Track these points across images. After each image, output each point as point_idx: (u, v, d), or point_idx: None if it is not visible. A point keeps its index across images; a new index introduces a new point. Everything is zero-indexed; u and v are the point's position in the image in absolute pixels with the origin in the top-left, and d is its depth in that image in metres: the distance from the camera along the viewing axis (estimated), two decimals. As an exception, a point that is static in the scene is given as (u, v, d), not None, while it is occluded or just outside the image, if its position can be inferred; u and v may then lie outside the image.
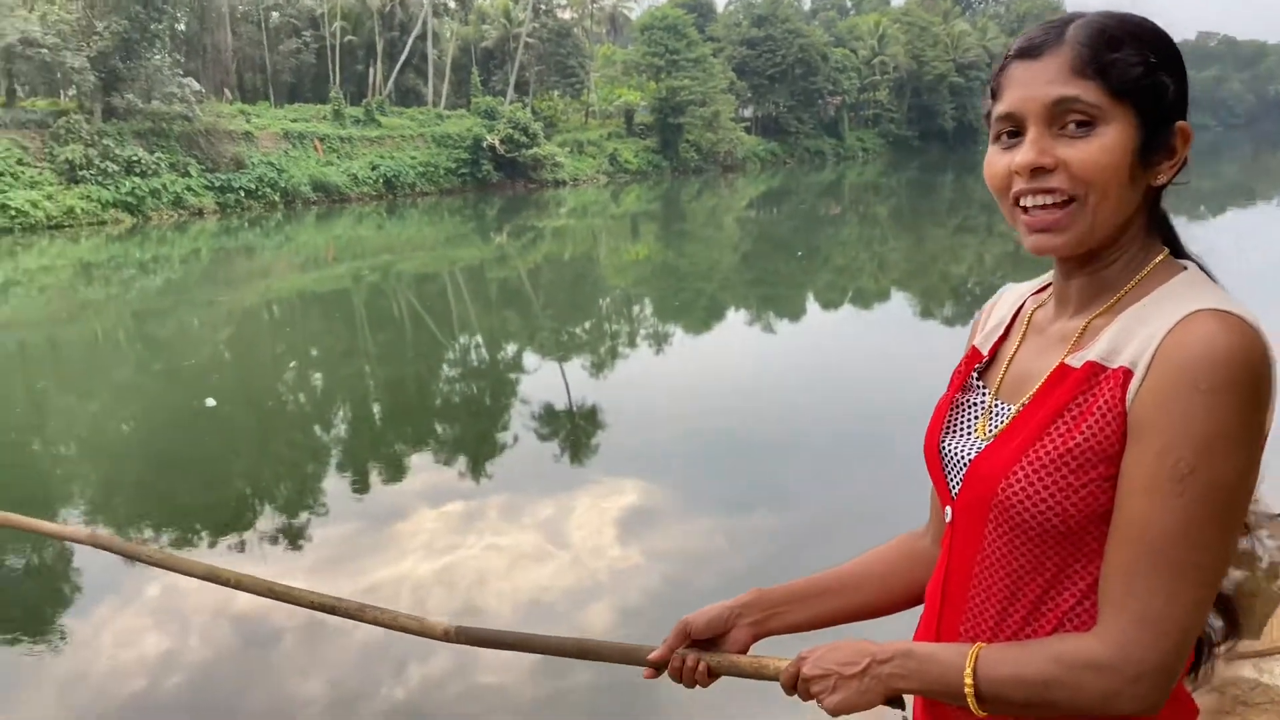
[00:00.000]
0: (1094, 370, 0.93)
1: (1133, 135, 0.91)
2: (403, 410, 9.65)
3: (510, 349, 12.79)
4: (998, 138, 0.98)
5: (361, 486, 7.25)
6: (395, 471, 7.57)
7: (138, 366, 12.05)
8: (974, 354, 1.14)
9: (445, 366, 11.83)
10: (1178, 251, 0.99)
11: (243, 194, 29.41)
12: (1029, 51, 0.94)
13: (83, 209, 25.30)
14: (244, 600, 5.07)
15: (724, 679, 1.16)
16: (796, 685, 1.05)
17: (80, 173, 25.63)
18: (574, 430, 8.55)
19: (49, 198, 24.89)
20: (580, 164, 41.01)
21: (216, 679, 4.38)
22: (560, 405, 9.20)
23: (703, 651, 1.16)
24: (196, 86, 30.24)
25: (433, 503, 6.54)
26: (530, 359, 11.93)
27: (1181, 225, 1.01)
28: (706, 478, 6.44)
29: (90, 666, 4.53)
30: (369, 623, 1.29)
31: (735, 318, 14.10)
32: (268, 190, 30.17)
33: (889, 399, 7.93)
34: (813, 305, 14.41)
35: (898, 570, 1.22)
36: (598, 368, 11.28)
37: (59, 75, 28.96)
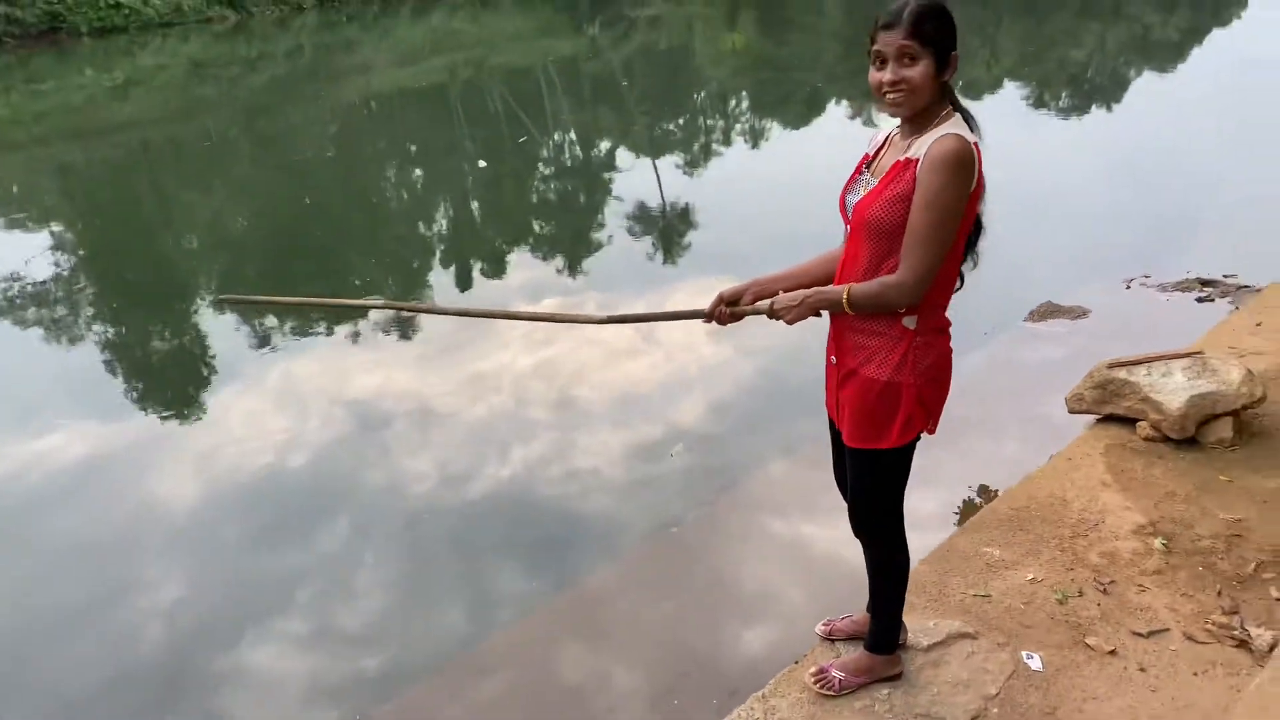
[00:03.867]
0: (909, 161, 2.01)
1: (932, 64, 1.97)
2: (500, 207, 9.87)
3: (604, 145, 12.73)
4: (874, 64, 2.01)
5: (464, 281, 7.60)
6: (495, 267, 7.87)
7: (251, 162, 12.50)
8: (866, 156, 2.23)
9: (540, 164, 11.91)
10: (957, 105, 2.05)
11: (340, -15, 28.89)
12: (888, 25, 1.96)
13: (190, 6, 25.45)
14: (358, 390, 5.54)
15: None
16: (773, 314, 2.19)
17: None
18: (667, 229, 8.65)
19: (157, -6, 25.01)
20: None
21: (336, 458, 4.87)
22: (653, 204, 9.26)
23: (729, 306, 2.29)
24: None
25: (531, 298, 6.83)
26: (624, 156, 11.87)
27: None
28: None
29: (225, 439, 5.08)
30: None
31: (836, 111, 13.59)
32: (364, -19, 29.56)
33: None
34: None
35: (834, 262, 2.30)
36: (691, 165, 11.19)
37: None
